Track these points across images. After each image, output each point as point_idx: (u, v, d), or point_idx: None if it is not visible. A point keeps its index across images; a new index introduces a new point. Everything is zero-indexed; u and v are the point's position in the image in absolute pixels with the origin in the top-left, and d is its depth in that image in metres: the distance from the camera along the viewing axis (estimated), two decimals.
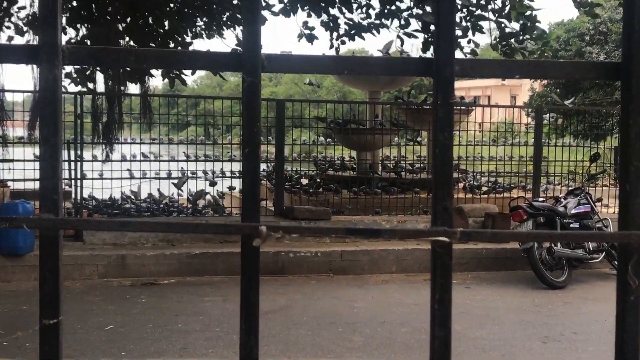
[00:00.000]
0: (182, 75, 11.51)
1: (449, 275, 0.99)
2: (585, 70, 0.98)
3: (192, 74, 11.03)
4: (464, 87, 49.85)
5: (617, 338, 0.98)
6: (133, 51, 0.92)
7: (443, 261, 0.97)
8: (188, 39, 11.47)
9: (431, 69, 0.95)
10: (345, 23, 12.21)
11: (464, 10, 11.21)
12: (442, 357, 0.98)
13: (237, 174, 11.51)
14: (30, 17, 10.46)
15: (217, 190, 11.87)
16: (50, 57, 0.89)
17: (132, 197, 11.31)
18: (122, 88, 10.71)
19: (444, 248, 0.97)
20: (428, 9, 10.95)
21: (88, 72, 10.78)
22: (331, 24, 12.13)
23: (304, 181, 12.93)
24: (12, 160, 10.38)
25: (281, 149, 10.77)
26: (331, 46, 12.23)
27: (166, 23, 11.07)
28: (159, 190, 11.05)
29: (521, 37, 11.23)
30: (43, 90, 0.90)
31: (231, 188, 11.77)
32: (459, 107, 12.69)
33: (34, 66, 10.69)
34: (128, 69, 10.14)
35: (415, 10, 11.81)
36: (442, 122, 0.94)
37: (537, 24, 11.25)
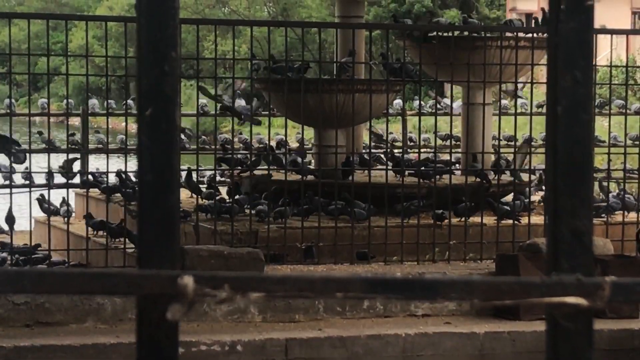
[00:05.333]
0: None
1: None
2: None
3: None
4: None
5: None
6: None
7: (574, 346, 0.95)
8: None
9: None
10: None
11: None
12: None
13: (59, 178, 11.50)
14: None
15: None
16: None
17: None
18: None
19: (575, 319, 0.96)
20: None
21: None
22: None
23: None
24: None
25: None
26: None
27: None
28: None
29: None
30: None
31: (50, 210, 11.71)
32: (529, 37, 12.85)
33: None
34: None
35: None
36: (571, 50, 0.93)
37: None
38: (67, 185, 11.85)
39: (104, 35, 11.70)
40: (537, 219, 12.04)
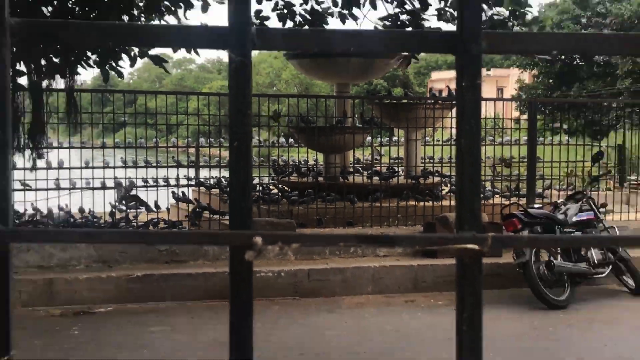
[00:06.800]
0: (119, 67, 11.34)
1: (479, 291, 0.97)
2: (634, 44, 0.97)
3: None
4: (442, 79, 50.28)
5: None
6: (96, 25, 0.88)
7: (472, 274, 0.94)
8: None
9: (454, 44, 0.92)
10: (301, 13, 12.03)
11: None
12: None
13: (183, 181, 11.54)
14: None
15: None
16: None
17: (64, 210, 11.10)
18: (49, 82, 10.49)
19: (473, 258, 0.95)
20: None
21: None
22: (285, 11, 11.93)
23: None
24: None
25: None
26: None
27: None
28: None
29: (510, 24, 11.36)
30: None
31: (179, 199, 11.69)
32: (442, 101, 12.81)
33: None
34: (56, 60, 9.99)
35: None
36: (469, 108, 0.92)
37: (528, 8, 11.50)
38: (187, 185, 11.89)
39: (206, 104, 11.63)
40: (445, 203, 11.98)
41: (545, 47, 0.98)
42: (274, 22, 12.29)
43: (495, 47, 0.95)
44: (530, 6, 11.55)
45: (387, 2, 11.95)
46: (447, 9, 11.61)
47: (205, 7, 11.09)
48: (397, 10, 11.92)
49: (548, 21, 32.64)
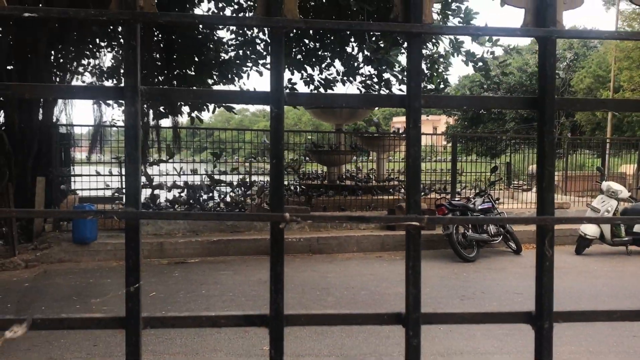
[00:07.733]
0: (202, 114, 11.44)
1: (419, 249, 0.97)
2: (514, 103, 0.98)
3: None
4: (400, 121, 50.17)
5: (537, 292, 0.97)
6: (192, 91, 0.90)
7: (415, 239, 0.95)
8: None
9: (404, 101, 0.94)
10: (318, 80, 12.35)
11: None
12: (414, 308, 0.96)
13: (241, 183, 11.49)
14: (98, 69, 10.39)
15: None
16: (132, 95, 0.86)
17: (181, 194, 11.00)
18: (159, 122, 10.58)
19: (415, 230, 0.95)
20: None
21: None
22: (308, 79, 12.26)
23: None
24: (80, 175, 10.22)
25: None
26: None
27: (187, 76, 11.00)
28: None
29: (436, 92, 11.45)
30: (127, 117, 0.87)
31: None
32: (399, 135, 12.76)
33: (95, 106, 10.53)
34: (163, 109, 10.05)
35: (369, 69, 11.93)
36: (413, 140, 0.93)
37: (447, 84, 11.64)
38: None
39: (256, 136, 11.55)
40: (400, 197, 11.90)
41: (460, 104, 0.99)
42: (300, 85, 12.38)
43: (429, 104, 0.96)
44: (449, 84, 11.67)
45: (364, 77, 12.16)
46: (404, 79, 11.63)
47: (261, 73, 11.59)
48: (369, 82, 12.10)
49: (458, 92, 32.77)
